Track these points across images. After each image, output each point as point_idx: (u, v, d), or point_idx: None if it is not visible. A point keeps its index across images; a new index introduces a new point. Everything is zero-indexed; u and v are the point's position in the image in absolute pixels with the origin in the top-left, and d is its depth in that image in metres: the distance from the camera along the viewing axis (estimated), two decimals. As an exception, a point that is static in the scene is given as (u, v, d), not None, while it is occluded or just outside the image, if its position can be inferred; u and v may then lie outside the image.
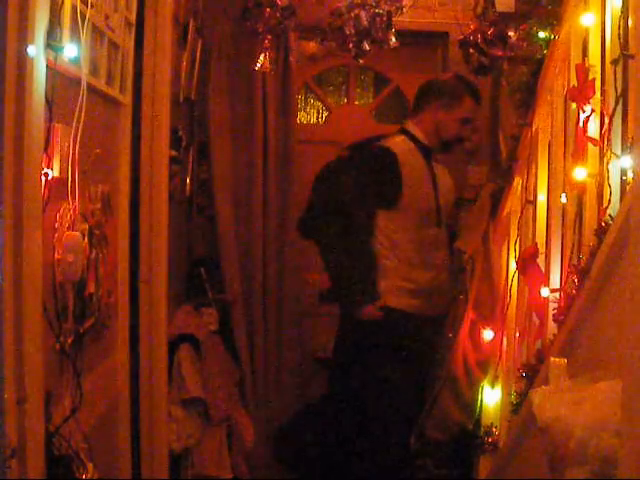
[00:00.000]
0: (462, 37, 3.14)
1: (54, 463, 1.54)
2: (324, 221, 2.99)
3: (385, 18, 3.01)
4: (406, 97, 4.36)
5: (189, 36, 3.28)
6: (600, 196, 1.86)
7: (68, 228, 1.70)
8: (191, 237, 3.86)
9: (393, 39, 3.06)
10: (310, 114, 4.41)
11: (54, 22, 1.49)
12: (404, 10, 3.08)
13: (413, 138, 3.08)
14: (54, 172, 1.60)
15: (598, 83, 1.95)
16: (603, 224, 1.77)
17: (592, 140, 1.92)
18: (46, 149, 1.53)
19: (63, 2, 1.56)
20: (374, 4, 3.00)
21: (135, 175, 2.45)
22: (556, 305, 2.07)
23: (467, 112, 3.06)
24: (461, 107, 3.05)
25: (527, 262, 2.30)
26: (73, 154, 1.69)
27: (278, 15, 3.09)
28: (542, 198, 2.45)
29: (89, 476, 1.64)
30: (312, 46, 3.98)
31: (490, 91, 3.85)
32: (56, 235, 1.66)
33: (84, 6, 1.72)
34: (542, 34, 2.45)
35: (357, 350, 2.95)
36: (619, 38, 1.76)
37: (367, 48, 3.04)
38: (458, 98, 3.06)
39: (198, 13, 3.53)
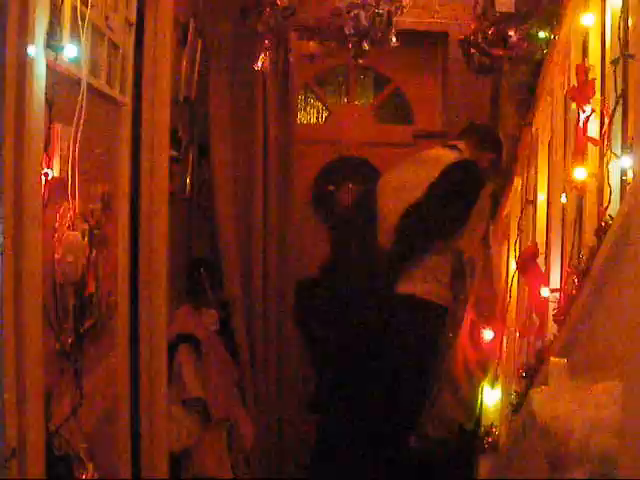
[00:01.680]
0: (462, 37, 3.15)
1: (54, 463, 1.54)
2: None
3: (385, 18, 3.01)
4: (406, 97, 4.37)
5: (189, 36, 3.28)
6: (600, 196, 1.86)
7: (68, 228, 1.70)
8: (191, 237, 3.86)
9: (393, 39, 3.06)
10: (310, 114, 4.41)
11: (54, 22, 1.49)
12: (404, 10, 3.08)
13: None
14: (54, 172, 1.60)
15: (598, 83, 1.95)
16: (603, 224, 1.77)
17: (592, 140, 1.92)
18: (46, 149, 1.53)
19: (63, 2, 1.56)
20: (374, 4, 3.00)
21: (135, 175, 2.45)
22: (556, 305, 2.07)
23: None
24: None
25: (527, 262, 2.30)
26: (73, 154, 1.69)
27: (278, 15, 3.09)
28: (542, 198, 2.45)
29: (89, 476, 1.64)
30: (312, 46, 3.98)
31: (490, 91, 3.85)
32: (56, 235, 1.66)
33: (84, 6, 1.72)
34: (542, 34, 2.46)
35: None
36: (619, 38, 1.76)
37: (367, 48, 3.04)
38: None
39: (198, 13, 3.53)
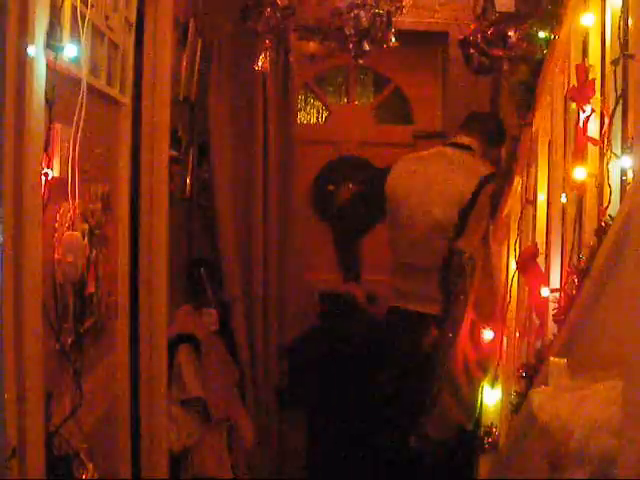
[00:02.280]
0: (462, 37, 3.14)
1: (54, 463, 1.54)
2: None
3: (385, 18, 3.01)
4: (406, 97, 4.37)
5: (189, 36, 3.28)
6: (600, 196, 1.86)
7: (68, 228, 1.70)
8: (191, 237, 3.86)
9: (393, 39, 3.06)
10: (310, 114, 4.41)
11: (54, 22, 1.49)
12: (404, 10, 3.08)
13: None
14: (54, 172, 1.60)
15: (598, 83, 1.95)
16: (603, 224, 1.77)
17: (592, 140, 1.92)
18: (46, 149, 1.53)
19: (63, 2, 1.56)
20: (374, 4, 3.00)
21: (135, 175, 2.45)
22: (556, 305, 2.07)
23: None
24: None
25: (527, 262, 2.30)
26: (73, 154, 1.69)
27: (278, 15, 3.10)
28: (542, 198, 2.44)
29: (89, 476, 1.64)
30: (312, 46, 3.98)
31: (490, 91, 3.85)
32: (56, 235, 1.66)
33: (84, 6, 1.72)
34: (542, 34, 2.45)
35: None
36: (619, 38, 1.76)
37: (367, 48, 3.04)
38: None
39: (198, 13, 3.53)
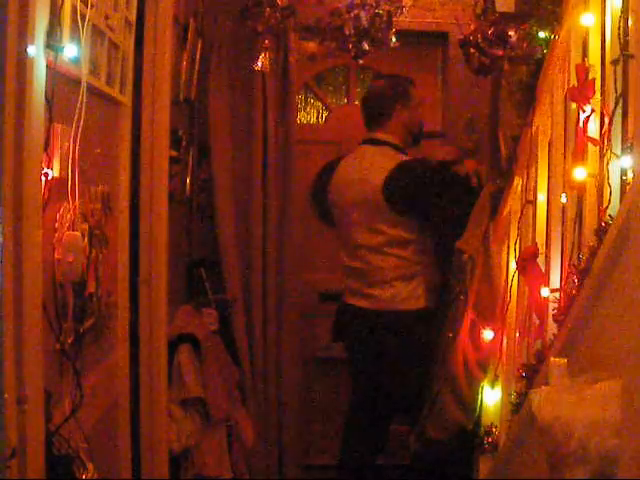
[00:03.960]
0: (462, 37, 3.14)
1: (54, 463, 1.54)
2: None
3: (385, 18, 3.01)
4: (406, 97, 4.36)
5: (189, 36, 3.28)
6: (600, 196, 1.86)
7: (68, 228, 1.70)
8: (191, 237, 3.86)
9: (393, 39, 3.06)
10: (310, 114, 4.41)
11: (54, 22, 1.49)
12: (404, 10, 3.08)
13: (396, 147, 3.33)
14: (54, 172, 1.60)
15: (598, 83, 1.96)
16: (603, 224, 1.77)
17: (592, 140, 1.92)
18: (46, 149, 1.53)
19: (63, 2, 1.56)
20: (374, 4, 3.00)
21: (135, 175, 2.45)
22: (556, 305, 2.07)
23: (417, 99, 3.38)
24: (413, 98, 3.35)
25: (527, 262, 2.30)
26: (73, 154, 1.69)
27: (278, 15, 3.09)
28: (542, 198, 2.44)
29: (89, 476, 1.64)
30: (312, 46, 3.98)
31: (490, 91, 3.85)
32: (56, 235, 1.66)
33: (84, 6, 1.72)
34: (542, 34, 2.46)
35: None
36: (619, 38, 1.76)
37: (367, 48, 3.04)
38: (408, 93, 3.34)
39: (198, 13, 3.53)
